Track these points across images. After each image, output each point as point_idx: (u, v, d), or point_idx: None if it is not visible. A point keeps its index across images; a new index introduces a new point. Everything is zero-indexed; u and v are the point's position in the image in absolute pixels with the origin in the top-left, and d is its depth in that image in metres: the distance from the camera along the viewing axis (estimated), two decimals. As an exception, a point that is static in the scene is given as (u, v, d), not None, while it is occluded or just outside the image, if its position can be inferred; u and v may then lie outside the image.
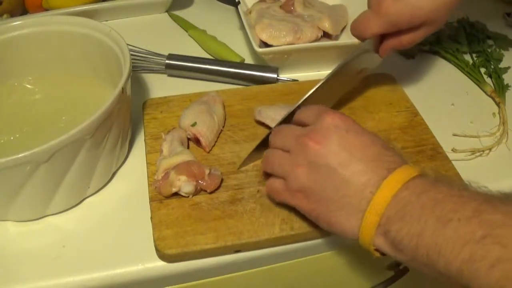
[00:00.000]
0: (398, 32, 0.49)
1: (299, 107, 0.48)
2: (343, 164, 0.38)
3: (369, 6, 0.49)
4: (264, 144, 0.51)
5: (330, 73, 0.50)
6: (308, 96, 0.49)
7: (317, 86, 0.49)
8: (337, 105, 0.57)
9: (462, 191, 0.35)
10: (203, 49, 0.69)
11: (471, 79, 0.66)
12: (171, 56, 0.63)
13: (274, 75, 0.62)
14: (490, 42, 0.71)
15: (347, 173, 0.38)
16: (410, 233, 0.34)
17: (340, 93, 0.56)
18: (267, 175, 0.46)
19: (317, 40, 0.65)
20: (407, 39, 0.50)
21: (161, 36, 0.72)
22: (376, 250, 0.38)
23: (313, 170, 0.40)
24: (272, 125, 0.52)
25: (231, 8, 0.78)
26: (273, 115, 0.53)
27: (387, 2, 0.46)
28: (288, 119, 0.48)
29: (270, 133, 0.48)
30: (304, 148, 0.40)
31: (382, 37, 0.52)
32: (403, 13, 0.47)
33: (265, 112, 0.54)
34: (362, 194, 0.37)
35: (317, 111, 0.42)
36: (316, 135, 0.40)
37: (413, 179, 0.37)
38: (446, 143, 0.55)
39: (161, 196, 0.47)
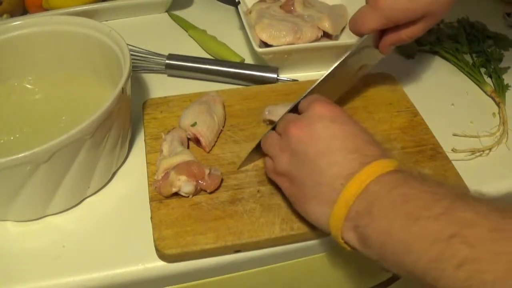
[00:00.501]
0: (397, 27, 0.49)
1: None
2: (320, 153, 0.39)
3: (366, 1, 0.49)
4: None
5: (331, 68, 0.50)
6: (310, 92, 0.49)
7: (319, 81, 0.49)
8: (338, 105, 0.57)
9: (436, 187, 0.34)
10: (203, 49, 0.69)
11: (471, 79, 0.66)
12: (171, 56, 0.63)
13: (274, 75, 0.62)
14: (490, 42, 0.71)
15: (323, 162, 0.39)
16: (377, 229, 0.34)
17: (341, 90, 0.56)
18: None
19: (317, 40, 0.65)
20: (406, 34, 0.49)
21: (161, 36, 0.72)
22: (346, 243, 0.38)
23: (294, 156, 0.41)
24: None
25: (231, 8, 0.78)
26: (282, 113, 0.53)
27: None
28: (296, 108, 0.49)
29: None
30: (288, 134, 0.41)
31: (382, 33, 0.51)
32: (398, 7, 0.46)
33: (275, 111, 0.54)
34: (333, 185, 0.37)
35: (310, 100, 0.43)
36: (301, 123, 0.41)
37: (386, 173, 0.36)
38: (446, 143, 0.55)
39: (161, 196, 0.47)
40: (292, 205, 0.47)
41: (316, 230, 0.45)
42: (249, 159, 0.51)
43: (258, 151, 0.51)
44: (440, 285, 0.30)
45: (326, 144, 0.39)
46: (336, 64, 0.50)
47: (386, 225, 0.33)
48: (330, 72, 0.49)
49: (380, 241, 0.34)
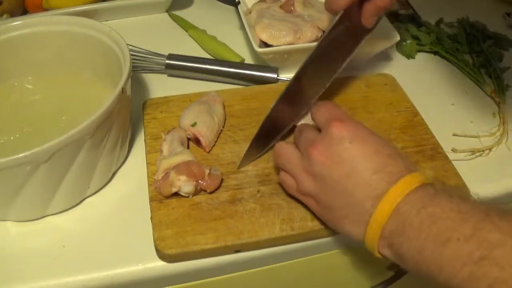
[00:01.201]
0: None
1: (297, 85, 0.50)
2: (345, 175, 0.39)
3: None
4: (263, 141, 0.51)
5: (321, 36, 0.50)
6: (304, 66, 0.50)
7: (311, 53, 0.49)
8: (339, 104, 0.57)
9: (461, 204, 0.35)
10: (203, 49, 0.69)
11: (471, 79, 0.66)
12: (171, 56, 0.63)
13: (274, 75, 0.62)
14: (490, 42, 0.71)
15: (349, 184, 0.39)
16: (410, 249, 0.35)
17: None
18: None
19: (317, 40, 0.65)
20: (381, 0, 0.49)
21: (161, 36, 0.72)
22: (383, 256, 0.39)
23: (318, 179, 0.41)
24: None
25: (231, 8, 0.78)
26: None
27: None
28: (288, 96, 0.50)
29: (264, 124, 0.50)
30: (310, 157, 0.41)
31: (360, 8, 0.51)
32: None
33: None
34: (364, 207, 0.38)
35: (327, 116, 0.42)
36: (321, 146, 0.40)
37: (414, 190, 0.37)
38: (446, 143, 0.55)
39: (161, 196, 0.47)
40: (292, 205, 0.47)
41: (316, 230, 0.45)
42: (247, 157, 0.51)
43: (257, 149, 0.51)
44: None
45: (350, 165, 0.39)
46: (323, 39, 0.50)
47: (418, 246, 0.35)
48: (320, 41, 0.49)
49: (415, 260, 0.35)
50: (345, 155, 0.39)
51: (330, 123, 0.41)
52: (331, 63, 0.53)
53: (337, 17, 0.50)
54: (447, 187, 0.50)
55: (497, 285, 0.30)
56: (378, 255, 0.38)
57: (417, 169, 0.40)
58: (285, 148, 0.45)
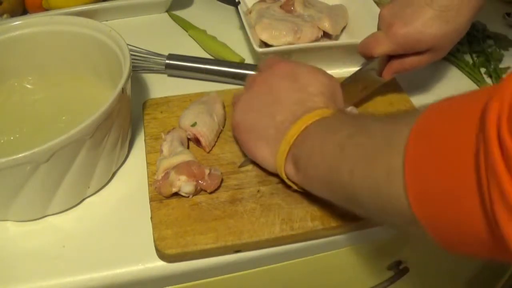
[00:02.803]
0: (403, 56, 0.53)
1: None
2: (272, 102, 0.46)
3: (379, 27, 0.54)
4: None
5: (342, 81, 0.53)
6: None
7: None
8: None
9: (358, 117, 0.41)
10: (203, 49, 0.69)
11: (471, 79, 0.66)
12: (171, 56, 0.63)
13: (274, 75, 0.62)
14: (490, 42, 0.71)
15: (274, 110, 0.45)
16: (305, 148, 0.41)
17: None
18: None
19: (317, 40, 0.65)
20: (410, 63, 0.53)
21: (161, 36, 0.72)
22: (288, 179, 0.44)
23: (252, 103, 0.48)
24: None
25: (231, 8, 0.78)
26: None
27: (397, 25, 0.50)
28: None
29: None
30: (251, 85, 0.49)
31: (387, 61, 0.55)
32: (410, 37, 0.50)
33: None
34: (281, 128, 0.44)
35: (273, 61, 0.50)
36: (260, 78, 0.49)
37: (326, 117, 0.42)
38: (446, 143, 0.55)
39: (161, 196, 0.47)
40: (292, 205, 0.47)
41: (315, 230, 0.45)
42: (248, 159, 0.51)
43: None
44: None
45: (276, 95, 0.46)
46: (346, 79, 0.54)
47: (311, 144, 0.41)
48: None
49: (306, 155, 0.41)
50: (274, 87, 0.47)
51: (274, 64, 0.49)
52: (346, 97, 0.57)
53: (371, 62, 0.54)
54: None
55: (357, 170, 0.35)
56: (284, 175, 0.44)
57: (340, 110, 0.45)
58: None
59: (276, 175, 0.48)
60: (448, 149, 0.27)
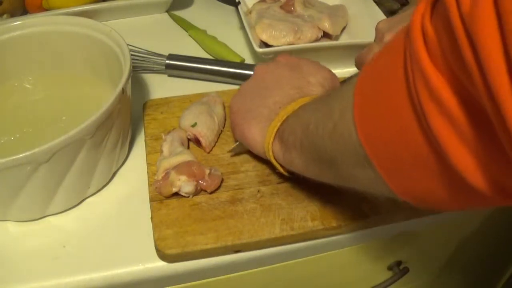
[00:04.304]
0: None
1: None
2: (271, 86, 0.48)
3: (375, 40, 0.54)
4: None
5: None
6: None
7: None
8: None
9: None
10: (203, 49, 0.69)
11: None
12: (171, 56, 0.63)
13: (274, 75, 0.62)
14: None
15: (273, 91, 0.48)
16: (290, 124, 0.42)
17: None
18: None
19: (317, 40, 0.65)
20: None
21: (161, 36, 0.72)
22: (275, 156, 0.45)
23: (255, 86, 0.50)
24: None
25: (231, 8, 0.78)
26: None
27: (390, 34, 0.51)
28: None
29: None
30: (256, 72, 0.52)
31: None
32: None
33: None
34: (275, 108, 0.46)
35: (282, 55, 0.53)
36: (266, 66, 0.51)
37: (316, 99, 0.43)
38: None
39: (161, 196, 0.47)
40: (292, 205, 0.47)
41: (316, 230, 0.45)
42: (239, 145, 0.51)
43: None
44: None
45: (277, 80, 0.49)
46: (346, 79, 0.54)
47: (296, 115, 0.42)
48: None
49: (290, 126, 0.42)
50: (276, 73, 0.50)
51: (282, 56, 0.52)
52: None
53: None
54: None
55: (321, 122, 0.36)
56: (271, 153, 0.44)
57: None
58: None
59: (275, 174, 0.48)
60: (384, 71, 0.29)
